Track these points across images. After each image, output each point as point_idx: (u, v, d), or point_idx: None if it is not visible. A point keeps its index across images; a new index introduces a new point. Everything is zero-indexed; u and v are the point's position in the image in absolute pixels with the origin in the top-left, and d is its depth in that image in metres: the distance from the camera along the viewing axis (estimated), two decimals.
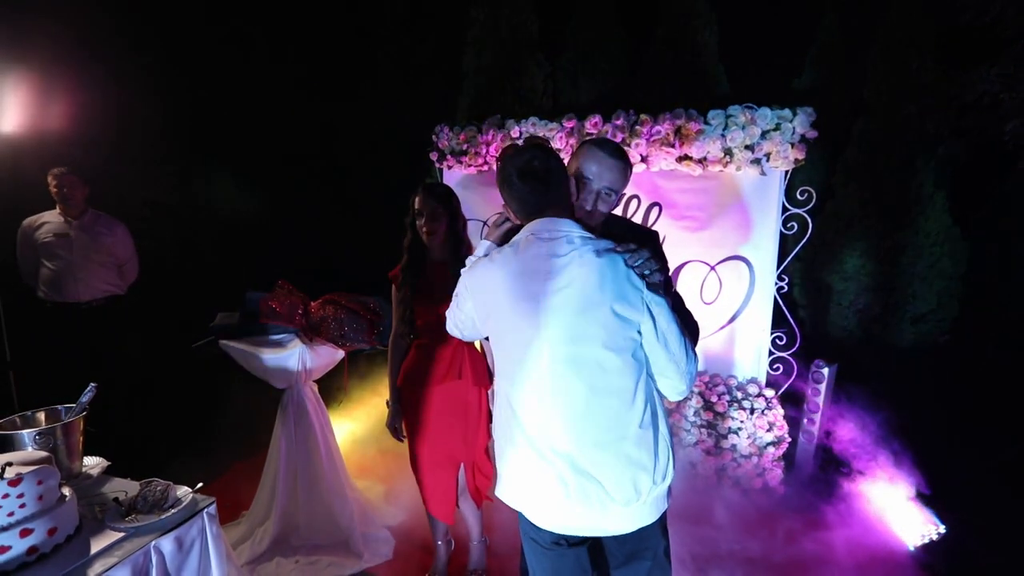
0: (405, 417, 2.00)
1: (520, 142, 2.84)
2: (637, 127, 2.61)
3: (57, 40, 3.26)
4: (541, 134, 2.81)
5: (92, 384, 1.63)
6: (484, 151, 2.91)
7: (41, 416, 1.59)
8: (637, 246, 1.21)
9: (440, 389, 1.94)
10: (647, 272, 1.16)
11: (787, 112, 2.40)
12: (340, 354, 2.43)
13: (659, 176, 2.73)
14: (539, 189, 1.23)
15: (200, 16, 4.63)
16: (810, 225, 2.57)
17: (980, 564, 2.11)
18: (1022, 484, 2.67)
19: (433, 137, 3.06)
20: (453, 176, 3.12)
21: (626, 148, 2.67)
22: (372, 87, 7.27)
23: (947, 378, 4.19)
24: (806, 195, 2.53)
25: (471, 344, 2.00)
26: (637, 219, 2.82)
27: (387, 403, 2.03)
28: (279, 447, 2.39)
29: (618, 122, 2.65)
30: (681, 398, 1.28)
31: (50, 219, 3.03)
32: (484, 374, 2.02)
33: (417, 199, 1.89)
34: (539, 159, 1.23)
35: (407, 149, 7.97)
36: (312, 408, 2.43)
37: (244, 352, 2.25)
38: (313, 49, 6.35)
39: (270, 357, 2.24)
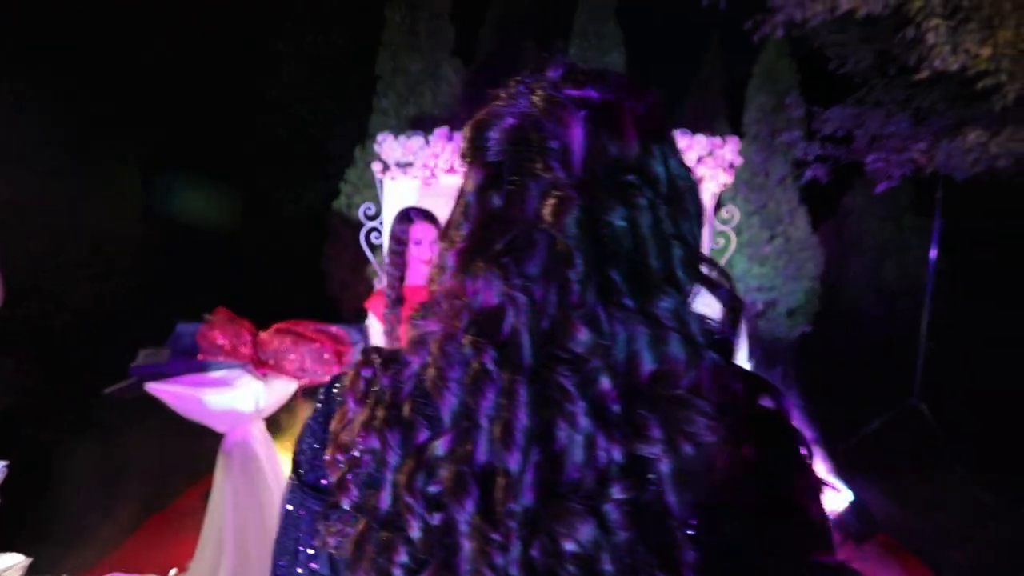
0: None
1: None
2: None
3: None
4: None
5: (2, 463, 1.29)
6: (433, 163, 2.83)
7: None
8: None
9: None
10: None
11: (718, 139, 2.70)
12: (293, 385, 2.20)
13: None
14: None
15: (84, 4, 3.86)
16: (734, 241, 2.91)
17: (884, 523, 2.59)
18: (879, 454, 3.31)
19: (375, 147, 2.89)
20: (396, 188, 2.98)
21: None
22: (273, 81, 6.61)
23: (811, 362, 5.04)
24: (730, 214, 2.87)
25: None
26: None
27: None
28: (223, 498, 2.08)
29: None
30: None
31: None
32: None
33: (413, 227, 1.79)
34: None
35: (314, 148, 7.39)
36: (261, 450, 2.16)
37: (181, 396, 1.93)
38: (206, 37, 5.61)
39: (216, 399, 1.95)
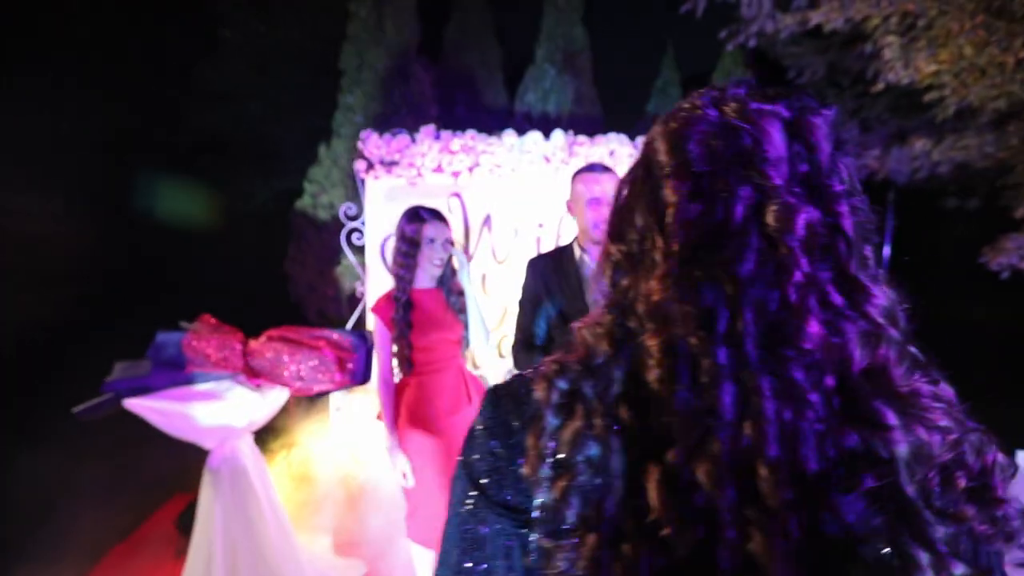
0: (414, 458, 1.81)
1: (460, 152, 2.76)
2: (576, 147, 2.76)
3: None
4: (480, 149, 2.77)
5: None
6: (420, 162, 2.76)
7: None
8: None
9: (453, 420, 1.81)
10: None
11: None
12: (285, 395, 2.08)
13: None
14: None
15: None
16: None
17: None
18: None
19: (359, 144, 2.78)
20: (380, 187, 2.89)
21: (564, 167, 2.81)
22: (218, 72, 6.22)
23: None
24: None
25: (463, 364, 1.91)
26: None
27: (388, 450, 1.81)
28: (212, 520, 1.94)
29: (558, 142, 2.77)
30: None
31: None
32: (482, 391, 1.94)
33: (426, 227, 1.72)
34: None
35: (263, 143, 7.01)
36: (251, 465, 2.03)
37: (166, 412, 1.78)
38: (143, 23, 5.19)
39: (206, 414, 1.81)
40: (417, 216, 1.73)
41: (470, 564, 0.45)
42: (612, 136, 2.77)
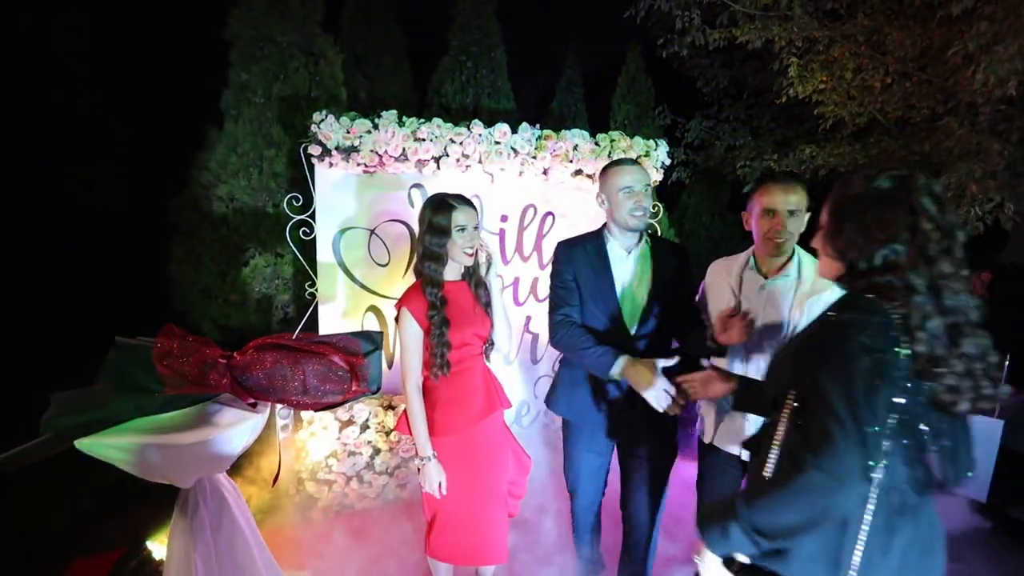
0: (450, 468, 1.67)
1: (429, 142, 2.61)
2: (542, 141, 2.78)
3: None
4: (448, 138, 2.65)
5: None
6: (384, 149, 2.54)
7: None
8: None
9: (487, 422, 1.71)
10: None
11: (652, 142, 3.01)
12: (266, 414, 1.79)
13: (552, 188, 2.98)
14: None
15: None
16: (659, 232, 3.29)
17: None
18: None
19: (314, 127, 2.47)
20: (332, 176, 2.61)
21: (531, 161, 2.81)
22: (47, 32, 4.99)
23: None
24: (656, 208, 3.23)
25: (484, 361, 1.81)
26: (534, 227, 3.01)
27: (421, 460, 1.64)
28: (193, 570, 1.59)
29: (526, 135, 2.76)
30: None
31: None
32: (502, 390, 1.86)
33: (457, 214, 1.59)
34: None
35: (102, 121, 5.85)
36: (233, 501, 1.71)
37: (138, 449, 1.41)
38: None
39: (191, 445, 1.47)
40: (445, 203, 1.61)
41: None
42: (576, 131, 2.85)
